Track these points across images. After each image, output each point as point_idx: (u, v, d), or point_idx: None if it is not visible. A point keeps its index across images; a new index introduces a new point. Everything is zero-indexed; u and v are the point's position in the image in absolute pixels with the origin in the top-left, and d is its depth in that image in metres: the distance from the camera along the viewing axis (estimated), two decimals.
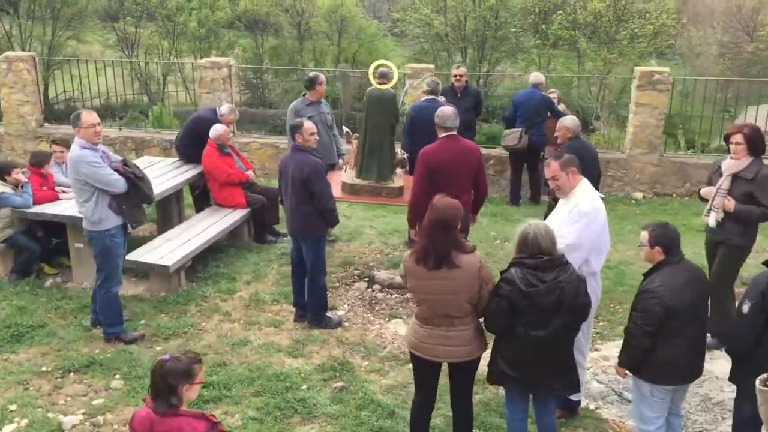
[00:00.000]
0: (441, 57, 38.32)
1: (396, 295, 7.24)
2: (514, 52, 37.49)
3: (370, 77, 7.02)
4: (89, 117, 5.73)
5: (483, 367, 4.65)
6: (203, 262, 7.63)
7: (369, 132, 7.00)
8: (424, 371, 4.53)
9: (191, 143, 8.68)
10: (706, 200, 6.02)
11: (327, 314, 6.54)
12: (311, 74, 8.01)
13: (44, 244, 7.46)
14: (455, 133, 6.16)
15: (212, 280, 7.38)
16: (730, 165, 5.72)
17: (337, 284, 7.39)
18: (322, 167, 6.13)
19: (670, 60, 37.27)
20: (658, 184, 10.53)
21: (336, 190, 6.93)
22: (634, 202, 10.28)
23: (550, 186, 5.10)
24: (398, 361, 5.98)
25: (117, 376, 5.70)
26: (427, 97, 7.75)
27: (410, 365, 5.81)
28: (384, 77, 7.00)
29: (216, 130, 8.26)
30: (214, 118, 8.60)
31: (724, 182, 5.71)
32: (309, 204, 6.08)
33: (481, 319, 4.40)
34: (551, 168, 5.02)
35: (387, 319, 6.75)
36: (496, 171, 10.71)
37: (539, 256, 4.11)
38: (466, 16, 32.29)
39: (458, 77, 9.77)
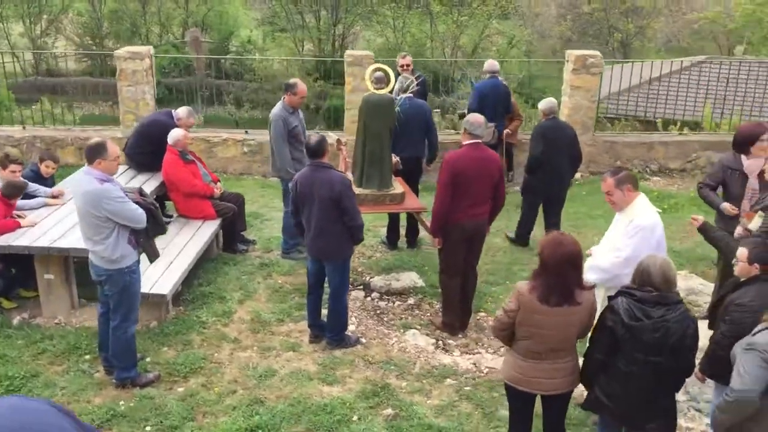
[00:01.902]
0: (294, 20, 37.63)
1: (398, 302, 7.12)
2: (369, 14, 37.56)
3: (367, 82, 6.72)
4: (115, 148, 5.15)
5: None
6: (184, 282, 7.10)
7: (369, 139, 6.74)
8: (525, 405, 4.48)
9: (145, 150, 7.99)
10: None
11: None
12: (291, 80, 7.54)
13: (6, 277, 6.65)
14: (480, 141, 6.08)
15: (201, 302, 6.91)
16: (757, 164, 6.00)
17: None
18: (350, 182, 5.86)
19: (510, 20, 38.84)
20: (592, 163, 11.00)
21: None
22: (576, 182, 10.69)
23: (606, 199, 5.17)
24: (435, 378, 5.90)
25: (148, 429, 5.23)
26: (404, 95, 7.56)
27: (449, 380, 5.86)
28: (380, 82, 6.74)
29: (174, 135, 7.64)
30: (169, 121, 7.94)
31: (754, 183, 6.01)
32: (338, 223, 5.79)
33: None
34: (607, 183, 5.09)
35: (401, 330, 6.62)
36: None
37: (649, 289, 4.09)
38: None
39: (405, 66, 9.59)
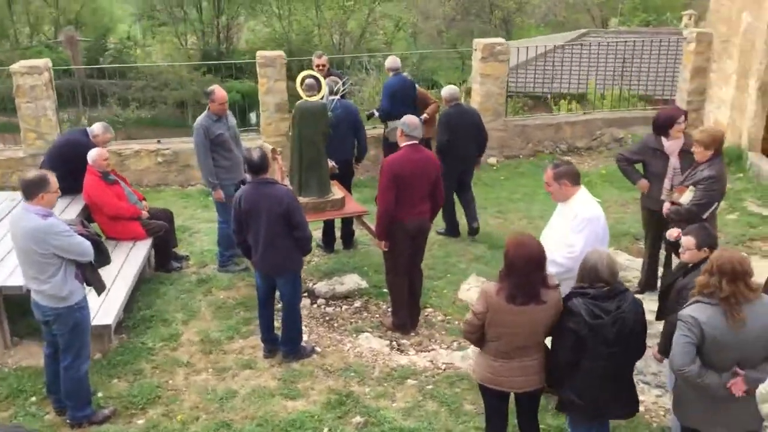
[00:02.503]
0: (174, 12, 36.57)
1: (345, 306, 7.14)
2: (253, 3, 36.89)
3: (298, 89, 6.67)
4: (54, 178, 4.91)
5: None
6: (124, 309, 6.85)
7: (305, 147, 6.70)
8: (499, 403, 4.62)
9: (61, 173, 7.57)
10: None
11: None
12: (209, 88, 7.35)
13: None
14: (417, 142, 6.17)
15: (144, 327, 6.71)
16: (676, 144, 6.41)
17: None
18: (295, 195, 5.84)
19: (393, 2, 39.27)
20: (505, 147, 11.32)
21: None
22: (493, 168, 10.98)
23: (545, 188, 5.35)
24: (396, 380, 5.97)
25: None
26: (335, 98, 7.53)
27: (410, 381, 5.97)
28: (312, 89, 6.70)
29: (92, 155, 7.33)
30: (84, 140, 7.62)
31: (675, 162, 6.40)
32: (288, 237, 5.76)
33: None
34: (546, 174, 5.27)
35: (354, 335, 6.65)
36: None
37: (600, 285, 4.25)
38: None
39: (321, 66, 9.54)
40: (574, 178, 5.24)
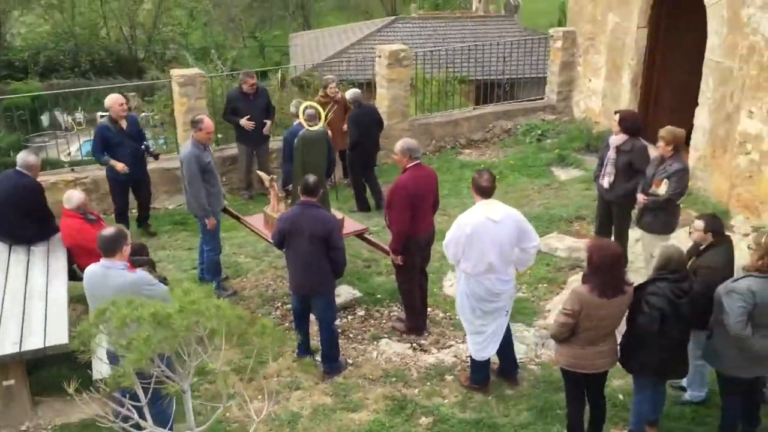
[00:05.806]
0: None
1: (350, 317, 7.52)
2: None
3: (301, 120, 7.01)
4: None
5: None
6: None
7: (309, 174, 6.99)
8: (581, 384, 5.43)
9: (22, 222, 7.25)
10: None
11: None
12: (197, 116, 7.38)
13: None
14: (420, 161, 6.78)
15: None
16: (615, 139, 7.51)
17: (287, 324, 7.28)
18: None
19: None
20: None
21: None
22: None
23: None
24: (435, 378, 6.53)
25: None
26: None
27: (447, 376, 6.59)
28: (313, 119, 7.08)
29: (75, 199, 7.05)
30: (27, 179, 7.40)
31: (612, 153, 7.50)
32: (324, 259, 6.15)
33: None
34: None
35: (374, 342, 7.08)
36: None
37: (677, 271, 5.18)
38: None
39: (251, 85, 9.88)
40: (476, 189, 5.97)
